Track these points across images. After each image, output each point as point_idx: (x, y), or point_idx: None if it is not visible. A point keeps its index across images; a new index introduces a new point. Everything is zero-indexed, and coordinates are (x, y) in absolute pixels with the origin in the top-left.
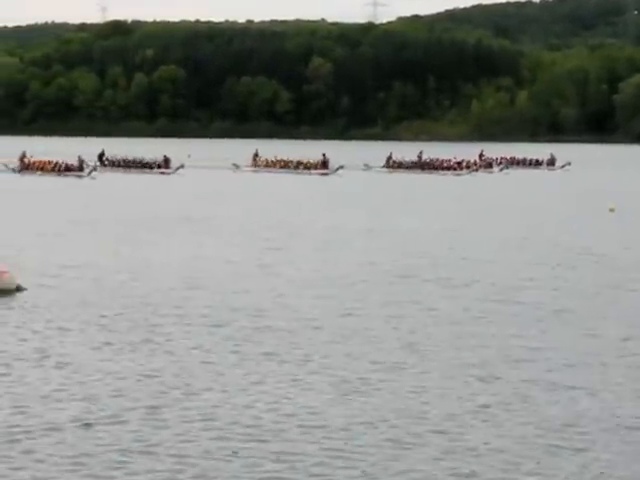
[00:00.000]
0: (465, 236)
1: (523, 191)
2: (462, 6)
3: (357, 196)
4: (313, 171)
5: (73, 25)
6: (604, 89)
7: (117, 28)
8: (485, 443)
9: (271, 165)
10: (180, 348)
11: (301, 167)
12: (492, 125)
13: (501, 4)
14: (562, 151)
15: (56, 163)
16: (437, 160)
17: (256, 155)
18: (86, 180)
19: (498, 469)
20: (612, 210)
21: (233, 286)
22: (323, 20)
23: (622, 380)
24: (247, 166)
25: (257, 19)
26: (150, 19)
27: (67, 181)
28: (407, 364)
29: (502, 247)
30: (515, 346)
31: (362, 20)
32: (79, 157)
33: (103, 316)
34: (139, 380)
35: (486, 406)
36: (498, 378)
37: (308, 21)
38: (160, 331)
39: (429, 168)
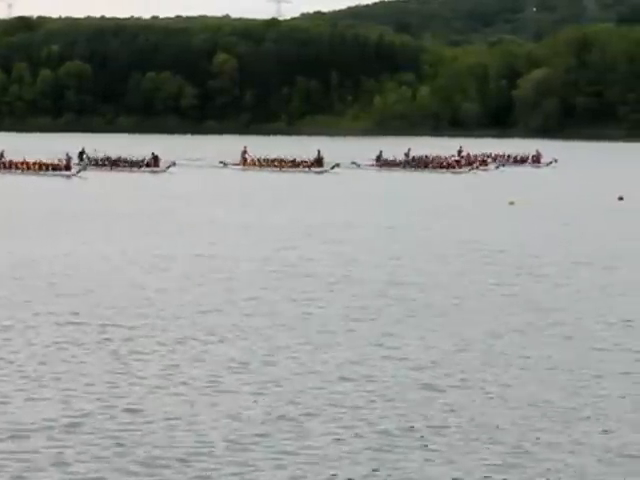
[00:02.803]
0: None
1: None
2: (365, 3)
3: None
4: (307, 169)
5: None
6: (503, 85)
7: (23, 24)
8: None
9: (262, 163)
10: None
11: (294, 165)
12: (394, 120)
13: (403, 1)
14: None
15: (41, 162)
16: (432, 158)
17: (245, 152)
18: (75, 180)
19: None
20: (512, 203)
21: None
22: (227, 16)
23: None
24: (235, 164)
25: (162, 15)
26: (56, 15)
27: (55, 181)
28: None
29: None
30: (382, 344)
31: (266, 16)
32: (67, 154)
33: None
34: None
35: (338, 405)
36: (368, 376)
37: (213, 17)
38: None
39: (423, 166)
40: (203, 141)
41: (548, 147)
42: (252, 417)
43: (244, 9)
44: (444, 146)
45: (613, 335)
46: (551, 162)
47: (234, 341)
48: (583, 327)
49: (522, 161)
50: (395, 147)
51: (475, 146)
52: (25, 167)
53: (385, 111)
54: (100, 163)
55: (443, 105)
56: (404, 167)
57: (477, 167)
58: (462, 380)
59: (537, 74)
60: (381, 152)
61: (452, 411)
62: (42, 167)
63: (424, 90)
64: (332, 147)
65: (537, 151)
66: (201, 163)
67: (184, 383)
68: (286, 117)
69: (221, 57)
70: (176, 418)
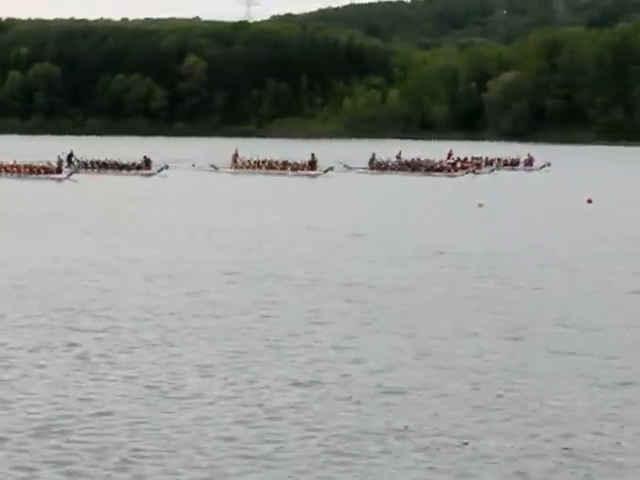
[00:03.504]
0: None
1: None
2: (335, 6)
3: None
4: (300, 172)
5: None
6: (473, 87)
7: None
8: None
9: (253, 166)
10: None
11: (287, 168)
12: (364, 122)
13: (373, 4)
14: (433, 148)
15: (32, 165)
16: (426, 161)
17: (236, 155)
18: (67, 183)
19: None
20: (481, 206)
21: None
22: (197, 18)
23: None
24: (226, 167)
25: (132, 17)
26: (24, 17)
27: (46, 184)
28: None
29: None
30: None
31: (236, 19)
32: (58, 157)
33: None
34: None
35: (301, 408)
36: (330, 379)
37: (182, 19)
38: None
39: (418, 170)
40: (174, 143)
41: (518, 150)
42: (217, 420)
43: (214, 11)
44: (433, 149)
45: (573, 338)
46: (544, 166)
47: (198, 344)
48: (543, 330)
49: (514, 164)
50: (365, 150)
51: (445, 148)
52: (16, 170)
53: (354, 114)
54: (90, 166)
55: (413, 108)
56: (398, 170)
57: (473, 171)
58: (423, 383)
59: (507, 77)
60: (374, 155)
61: (413, 414)
62: (33, 170)
63: (393, 93)
64: (302, 149)
65: (529, 155)
66: (191, 166)
67: (150, 387)
68: (256, 119)
69: (191, 59)
70: (142, 422)
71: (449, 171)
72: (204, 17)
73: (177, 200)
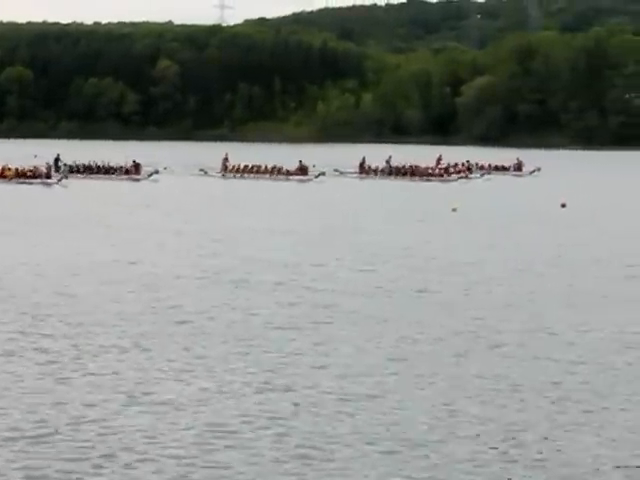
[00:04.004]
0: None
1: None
2: (308, 9)
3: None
4: (291, 177)
5: None
6: (447, 92)
7: None
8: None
9: (244, 171)
10: None
11: (276, 173)
12: (337, 126)
13: (347, 8)
14: (405, 152)
15: (22, 170)
16: (418, 166)
17: (226, 160)
18: (56, 188)
19: None
20: (454, 210)
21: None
22: (170, 22)
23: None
24: (216, 172)
25: (105, 20)
26: None
27: (36, 189)
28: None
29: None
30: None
31: (209, 23)
32: (47, 163)
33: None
34: None
35: (266, 414)
36: (295, 385)
37: (155, 23)
38: None
39: (410, 175)
40: (146, 147)
41: (490, 155)
42: (184, 426)
43: (187, 15)
44: (423, 154)
45: (539, 344)
46: (534, 171)
47: (165, 350)
48: (510, 335)
49: (503, 169)
50: (340, 154)
51: (418, 152)
52: (4, 175)
53: (328, 118)
54: (79, 170)
55: (386, 112)
56: (389, 175)
57: (466, 176)
58: (391, 389)
59: (480, 81)
60: (364, 159)
61: (381, 420)
62: (22, 175)
63: (367, 97)
64: (276, 154)
65: (518, 159)
66: (180, 170)
67: (118, 392)
68: (229, 123)
69: (164, 63)
70: (110, 427)
71: (441, 176)
72: (177, 21)
73: (163, 205)
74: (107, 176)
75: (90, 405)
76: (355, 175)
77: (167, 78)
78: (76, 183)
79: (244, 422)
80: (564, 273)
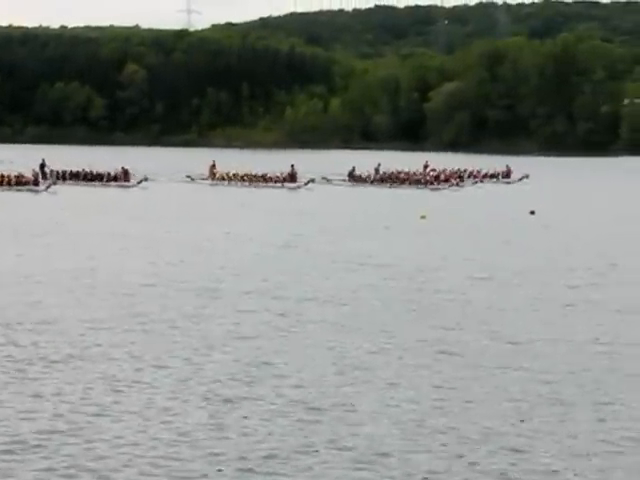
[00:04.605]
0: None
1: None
2: (276, 14)
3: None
4: (280, 184)
5: None
6: (415, 97)
7: None
8: None
9: (232, 178)
10: None
11: (265, 180)
12: (305, 132)
13: (314, 12)
14: (375, 158)
15: (9, 177)
16: (405, 173)
17: (213, 167)
18: (44, 195)
19: None
20: (423, 217)
21: None
22: (137, 26)
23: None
24: (203, 178)
25: (71, 24)
26: None
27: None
28: None
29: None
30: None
31: (176, 27)
32: (33, 170)
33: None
34: None
35: (217, 424)
36: (248, 395)
37: (122, 27)
38: None
39: (400, 182)
40: (114, 152)
41: (460, 161)
42: (150, 436)
43: (154, 19)
44: (410, 161)
45: (501, 353)
46: (522, 178)
47: (120, 359)
48: (471, 344)
49: (492, 177)
50: (308, 160)
51: (387, 158)
52: None
53: (296, 123)
54: (65, 176)
55: (354, 117)
56: (379, 183)
57: (457, 184)
58: (349, 398)
59: (449, 87)
60: (354, 167)
61: (337, 430)
62: (9, 182)
63: (335, 102)
64: (244, 159)
65: (507, 167)
66: (166, 177)
67: (83, 402)
68: (196, 128)
69: (131, 67)
70: (77, 436)
71: (432, 184)
72: (144, 25)
73: (147, 213)
74: (96, 183)
75: (58, 415)
76: (344, 182)
77: (134, 83)
78: (64, 190)
79: (210, 430)
80: (529, 281)
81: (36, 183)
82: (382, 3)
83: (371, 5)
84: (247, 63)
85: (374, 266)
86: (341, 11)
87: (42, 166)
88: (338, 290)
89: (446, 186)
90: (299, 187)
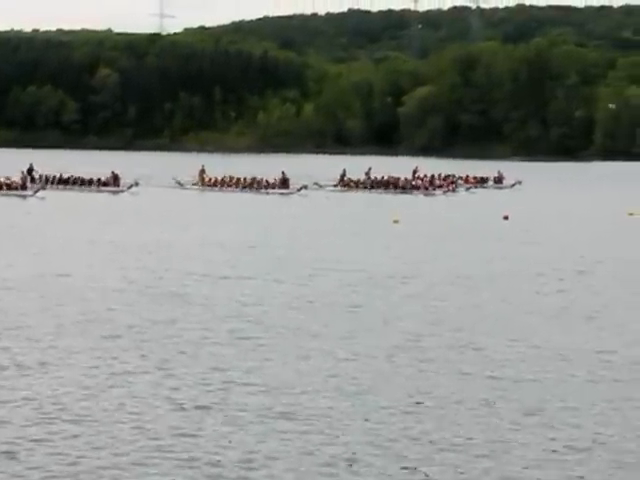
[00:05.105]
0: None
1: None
2: (249, 18)
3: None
4: (271, 190)
5: None
6: (388, 102)
7: None
8: None
9: (222, 183)
10: None
11: (257, 186)
12: (278, 136)
13: (287, 17)
14: (348, 162)
15: None
16: (396, 178)
17: (203, 172)
18: (32, 200)
19: None
20: (396, 222)
21: None
22: (110, 30)
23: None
24: (193, 184)
25: (43, 28)
26: None
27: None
28: None
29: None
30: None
31: (149, 31)
32: (22, 174)
33: None
34: None
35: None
36: (203, 404)
37: (95, 31)
38: None
39: (393, 188)
40: (85, 157)
41: (433, 165)
42: (117, 443)
43: (126, 23)
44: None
45: (468, 360)
46: (515, 184)
47: (85, 366)
48: (439, 351)
49: (483, 182)
50: (278, 164)
51: (358, 163)
52: None
53: (269, 127)
54: (53, 182)
55: (327, 122)
56: (371, 188)
57: (453, 189)
58: (314, 406)
59: (422, 91)
60: (345, 171)
61: (303, 438)
62: None
63: (308, 107)
64: (215, 163)
65: (499, 172)
66: (155, 182)
67: (34, 409)
68: (169, 133)
69: (103, 71)
70: (38, 441)
71: (426, 189)
72: (116, 29)
73: (131, 218)
74: (85, 187)
75: (28, 421)
76: (335, 188)
77: (107, 86)
78: (53, 195)
79: (181, 436)
80: (496, 287)
81: (24, 187)
82: (355, 7)
83: (344, 9)
84: (220, 67)
85: (345, 272)
86: (314, 15)
87: (30, 170)
88: (308, 296)
89: (440, 192)
90: (292, 193)
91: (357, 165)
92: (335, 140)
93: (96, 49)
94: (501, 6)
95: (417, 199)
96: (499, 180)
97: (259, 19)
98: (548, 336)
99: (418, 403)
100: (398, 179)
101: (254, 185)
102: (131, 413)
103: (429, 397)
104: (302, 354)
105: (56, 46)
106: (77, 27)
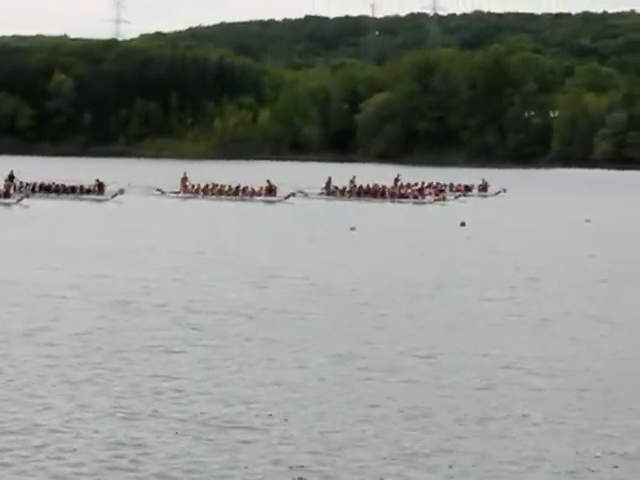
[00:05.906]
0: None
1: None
2: (205, 24)
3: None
4: (257, 198)
5: None
6: (345, 108)
7: None
8: None
9: (205, 191)
10: None
11: (240, 193)
12: (235, 143)
13: (244, 23)
14: (305, 169)
15: None
16: (383, 187)
17: (185, 179)
18: (16, 208)
19: None
20: (353, 229)
21: None
22: (65, 36)
23: None
24: (174, 192)
25: None
26: None
27: None
28: None
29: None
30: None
31: (105, 36)
32: (5, 181)
33: None
34: None
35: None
36: (151, 413)
37: (50, 37)
38: None
39: (379, 196)
40: (40, 162)
41: (390, 172)
42: (56, 454)
43: (82, 29)
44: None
45: (414, 368)
46: (499, 192)
47: (25, 373)
48: (388, 359)
49: (467, 190)
50: (235, 171)
51: (316, 170)
52: None
53: (225, 134)
54: (34, 189)
55: (284, 128)
56: (357, 196)
57: (443, 198)
58: (267, 415)
59: (379, 98)
60: (330, 179)
61: (257, 449)
62: None
63: (265, 113)
64: (171, 170)
65: (483, 180)
66: (135, 190)
67: None
68: (124, 139)
69: (58, 77)
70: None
71: (415, 197)
72: (72, 35)
73: (106, 227)
74: (70, 195)
75: None
76: (321, 196)
77: (62, 92)
78: (38, 203)
79: (127, 447)
80: (446, 294)
81: (7, 195)
82: (313, 13)
83: (301, 15)
84: (176, 73)
85: (299, 279)
86: (271, 21)
87: (11, 178)
88: (256, 304)
89: (432, 200)
90: (279, 201)
91: (315, 172)
92: (291, 147)
93: (52, 55)
94: (458, 13)
95: (407, 207)
96: (484, 188)
97: (216, 25)
98: (496, 344)
99: (364, 412)
100: (385, 187)
101: (237, 192)
102: (75, 419)
103: (374, 406)
104: (248, 362)
105: (11, 52)
106: (32, 33)
